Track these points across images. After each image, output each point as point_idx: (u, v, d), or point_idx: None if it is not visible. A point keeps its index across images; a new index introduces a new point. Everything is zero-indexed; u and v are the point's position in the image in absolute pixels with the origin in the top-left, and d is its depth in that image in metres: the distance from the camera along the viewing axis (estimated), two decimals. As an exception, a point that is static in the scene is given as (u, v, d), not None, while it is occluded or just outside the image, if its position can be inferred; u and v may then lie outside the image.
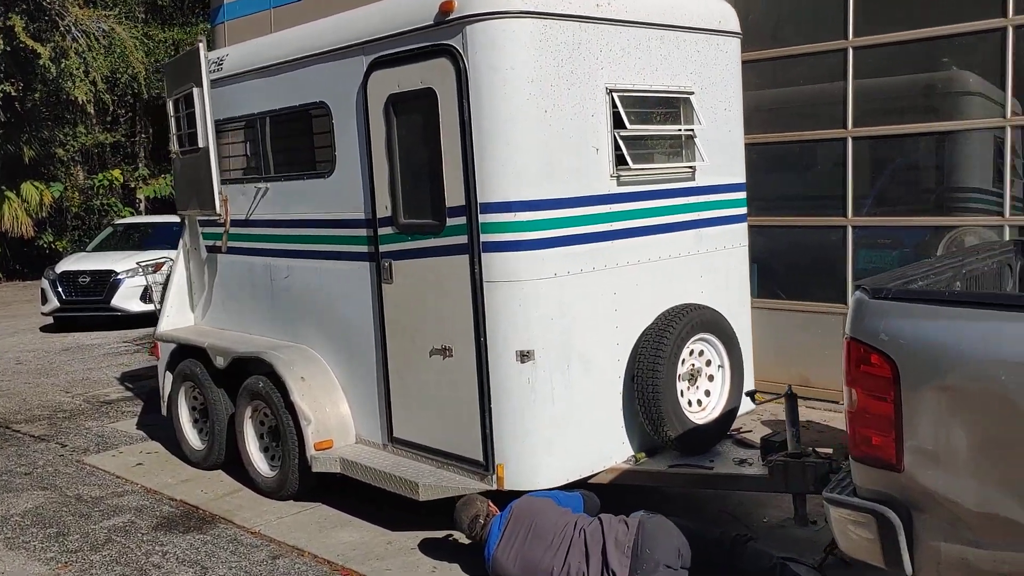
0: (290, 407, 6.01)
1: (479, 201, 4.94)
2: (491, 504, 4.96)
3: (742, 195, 6.15)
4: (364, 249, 5.75)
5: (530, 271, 4.97)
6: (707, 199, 5.87)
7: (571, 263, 5.10)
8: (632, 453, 5.45)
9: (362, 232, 5.74)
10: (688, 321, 5.33)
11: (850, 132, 7.58)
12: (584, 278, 5.16)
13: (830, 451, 4.98)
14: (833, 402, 6.83)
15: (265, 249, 6.64)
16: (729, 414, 5.65)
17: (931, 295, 3.49)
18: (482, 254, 4.98)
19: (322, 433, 5.95)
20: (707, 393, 5.62)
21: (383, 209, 5.54)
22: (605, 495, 5.10)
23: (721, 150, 5.92)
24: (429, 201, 5.28)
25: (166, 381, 7.47)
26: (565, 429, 5.11)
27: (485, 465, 5.13)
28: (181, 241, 7.64)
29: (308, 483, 6.14)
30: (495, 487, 5.10)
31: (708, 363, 5.63)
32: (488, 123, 4.88)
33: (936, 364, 3.29)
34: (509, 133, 4.88)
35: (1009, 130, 6.67)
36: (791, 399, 5.03)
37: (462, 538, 5.42)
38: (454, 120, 4.98)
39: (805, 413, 7.35)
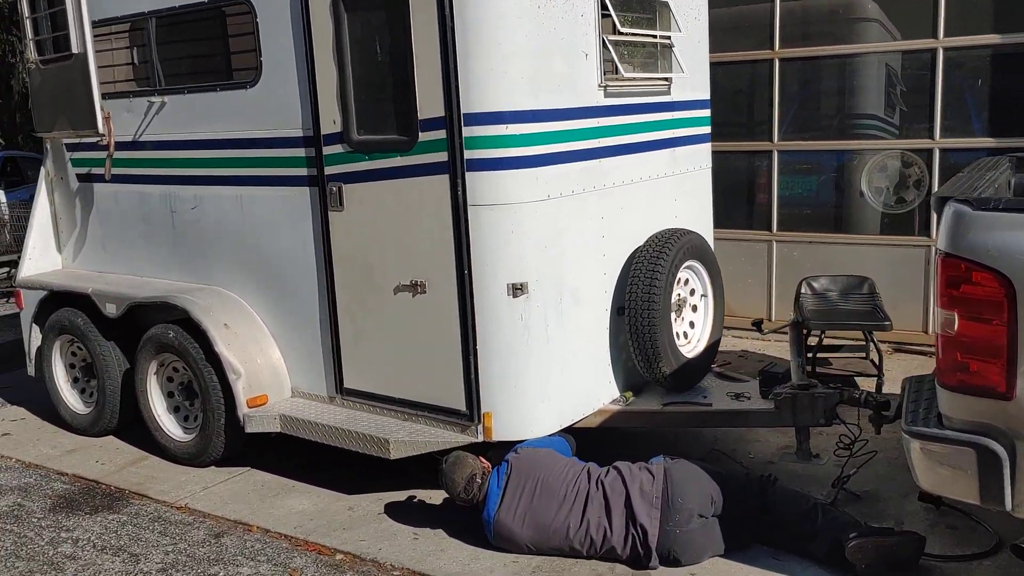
0: (213, 359, 5.13)
1: (463, 112, 4.23)
2: (483, 460, 4.36)
3: (708, 112, 5.72)
4: (302, 172, 4.91)
5: (523, 192, 4.34)
6: (681, 115, 5.40)
7: (564, 184, 4.50)
8: (618, 393, 4.98)
9: (299, 152, 4.89)
10: (680, 247, 4.88)
11: (777, 54, 7.34)
12: (576, 201, 4.58)
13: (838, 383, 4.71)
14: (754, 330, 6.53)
15: (164, 176, 5.61)
16: (713, 347, 5.28)
17: None
18: (467, 173, 4.29)
19: (255, 388, 5.12)
20: (691, 325, 5.22)
21: (330, 124, 4.71)
22: (583, 442, 4.63)
23: (692, 62, 5.45)
24: (394, 113, 4.51)
25: (33, 335, 6.31)
26: (558, 370, 4.57)
27: (469, 415, 4.51)
28: (43, 170, 6.41)
29: (235, 446, 5.31)
30: (480, 439, 4.51)
31: (692, 292, 5.22)
32: (476, 18, 4.16)
33: (1061, 279, 2.98)
34: (501, 31, 4.18)
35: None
36: (797, 327, 4.71)
37: (431, 498, 4.82)
38: (430, 16, 4.22)
39: (734, 343, 7.19)
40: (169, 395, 5.58)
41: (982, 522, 4.21)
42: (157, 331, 5.41)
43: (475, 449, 4.53)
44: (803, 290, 6.28)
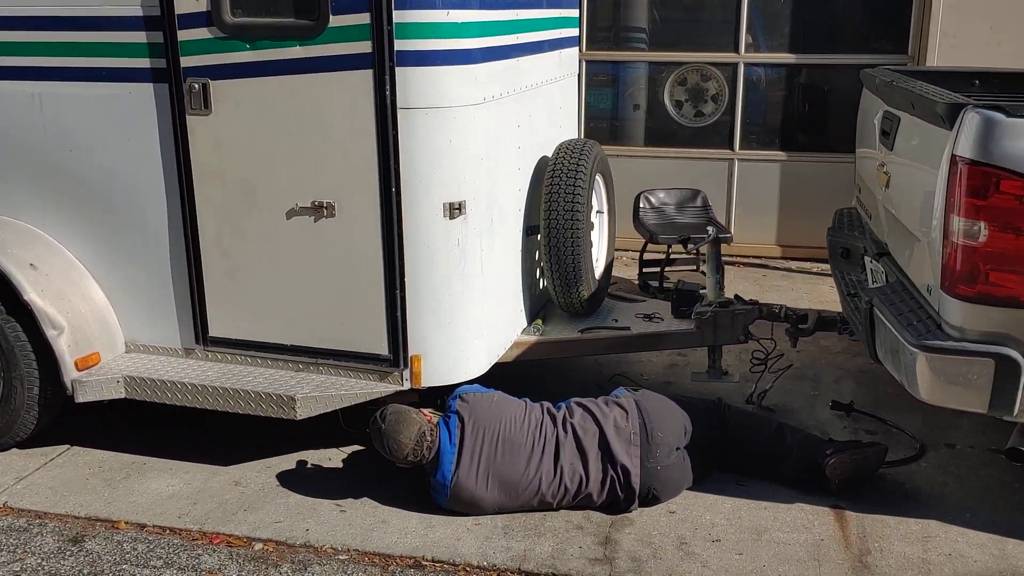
0: (18, 312, 3.90)
1: (396, -10, 3.43)
2: (426, 412, 3.72)
3: (577, 12, 5.26)
4: (143, 63, 3.78)
5: (463, 94, 3.64)
6: (564, 13, 4.91)
7: (495, 85, 3.86)
8: (526, 323, 4.51)
9: (139, 37, 3.75)
10: (593, 159, 4.44)
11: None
12: (502, 105, 3.97)
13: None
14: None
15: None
16: (610, 267, 4.96)
17: None
18: (396, 69, 3.51)
19: (83, 345, 3.98)
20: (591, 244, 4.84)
21: (190, 1, 3.64)
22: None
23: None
24: (297, -12, 3.57)
25: None
26: (490, 301, 4.00)
27: (392, 359, 3.82)
28: None
29: (47, 421, 4.13)
30: (407, 387, 3.85)
31: (591, 209, 4.82)
32: None
33: (1098, 187, 2.99)
34: None
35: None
36: (716, 243, 4.51)
37: (329, 460, 4.10)
38: None
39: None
40: (-63, 361, 4.20)
41: (896, 426, 4.35)
42: (-80, 279, 4.00)
43: (398, 400, 3.87)
44: (642, 204, 6.16)
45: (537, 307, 4.65)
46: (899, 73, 4.54)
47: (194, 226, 3.89)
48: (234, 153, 3.76)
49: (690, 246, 4.96)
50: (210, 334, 4.02)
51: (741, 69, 7.16)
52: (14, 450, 4.16)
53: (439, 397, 4.02)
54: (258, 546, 3.47)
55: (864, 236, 4.65)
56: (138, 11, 3.72)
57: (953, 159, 3.20)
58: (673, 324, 4.55)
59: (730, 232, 6.15)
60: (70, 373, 3.90)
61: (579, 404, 3.77)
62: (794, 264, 7.20)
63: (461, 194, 3.70)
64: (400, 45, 3.48)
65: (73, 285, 4.03)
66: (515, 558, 3.37)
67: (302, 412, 3.74)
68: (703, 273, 6.65)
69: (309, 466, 4.05)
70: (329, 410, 3.81)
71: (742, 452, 3.90)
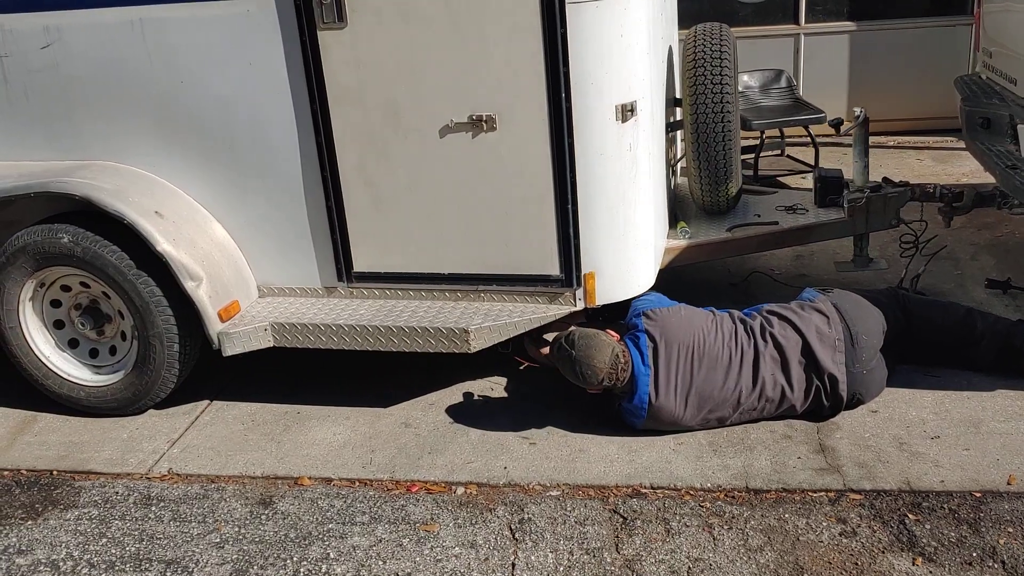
0: (147, 264, 3.58)
1: None
2: (612, 333, 3.49)
3: None
4: (262, -24, 3.37)
5: (629, -20, 3.29)
6: None
7: (650, -31, 3.50)
8: (668, 227, 4.26)
9: (255, -55, 3.33)
10: (734, 45, 4.12)
11: None
12: (655, -8, 3.61)
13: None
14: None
15: (-26, 1, 3.64)
16: (738, 158, 4.69)
17: None
18: (566, -44, 3.14)
19: (222, 294, 3.67)
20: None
21: None
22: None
23: None
24: None
25: None
26: (653, 209, 3.73)
27: (563, 279, 3.55)
28: None
29: (183, 379, 3.85)
30: (581, 307, 3.60)
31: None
32: None
33: None
34: None
35: None
36: (865, 124, 4.24)
37: (491, 390, 3.89)
38: None
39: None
40: (56, 325, 3.87)
41: (1064, 298, 4.21)
42: (33, 238, 3.63)
43: (566, 321, 3.64)
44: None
45: (672, 209, 4.39)
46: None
47: (331, 155, 3.55)
48: (375, 70, 3.39)
49: (840, 130, 4.65)
50: (354, 269, 3.73)
51: None
52: (150, 411, 3.90)
53: (601, 315, 3.81)
54: (459, 491, 3.27)
55: (1005, 103, 4.39)
56: (253, -86, 3.29)
57: None
58: (821, 214, 4.31)
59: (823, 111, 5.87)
60: (214, 325, 3.61)
61: (773, 312, 3.56)
62: (872, 140, 6.93)
63: (632, 94, 3.38)
64: (566, -70, 3.10)
65: (200, 230, 3.70)
66: (737, 476, 3.21)
67: (476, 344, 3.49)
68: (789, 158, 6.42)
69: (476, 398, 3.83)
70: (503, 339, 3.56)
71: (927, 341, 3.72)
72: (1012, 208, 4.26)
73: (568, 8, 3.18)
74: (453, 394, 3.87)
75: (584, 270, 3.54)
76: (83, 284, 3.77)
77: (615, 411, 3.53)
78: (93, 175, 3.64)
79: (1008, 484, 3.05)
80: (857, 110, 4.22)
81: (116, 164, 3.74)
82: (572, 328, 3.48)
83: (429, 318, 3.57)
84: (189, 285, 3.55)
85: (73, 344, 3.90)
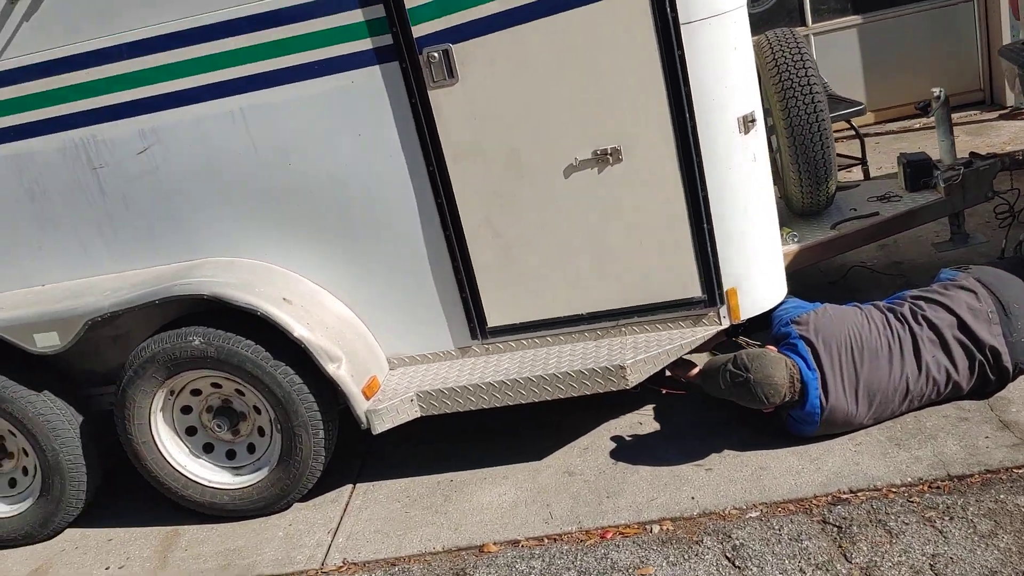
0: (284, 354, 3.48)
1: None
2: (772, 348, 3.45)
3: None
4: (364, 45, 3.34)
5: (735, -5, 3.31)
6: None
7: (741, -20, 3.52)
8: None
9: (353, 17, 3.30)
10: (804, 42, 4.15)
11: None
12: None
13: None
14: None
15: (66, 117, 3.56)
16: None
17: None
18: (676, -20, 3.15)
19: (362, 372, 3.58)
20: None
21: (415, -41, 3.21)
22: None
23: None
24: (539, -83, 3.16)
25: None
26: (775, 214, 3.71)
27: (707, 299, 3.51)
28: None
29: (326, 466, 3.73)
30: (727, 324, 3.55)
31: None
32: None
33: None
34: None
35: None
36: (946, 103, 4.28)
37: (641, 424, 3.82)
38: None
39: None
40: (188, 432, 3.75)
41: None
42: (162, 346, 3.52)
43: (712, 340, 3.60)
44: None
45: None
46: None
47: (453, 212, 3.50)
48: (492, 120, 3.36)
49: (930, 112, 4.64)
50: (488, 325, 3.65)
51: (801, -61, 6.90)
52: (295, 506, 3.77)
53: (738, 331, 3.76)
54: (655, 529, 3.17)
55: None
56: (344, -15, 3.26)
57: None
58: (917, 198, 4.32)
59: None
60: (361, 405, 3.50)
61: (918, 297, 3.54)
62: (895, 126, 7.04)
63: (750, 104, 3.38)
64: (677, -49, 3.11)
65: (327, 310, 3.62)
66: (933, 466, 3.15)
67: (633, 378, 3.43)
68: (838, 155, 6.44)
69: (628, 437, 3.75)
70: (658, 369, 3.50)
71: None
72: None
73: (683, 28, 3.19)
74: (603, 436, 3.79)
75: (725, 287, 3.50)
76: (214, 385, 3.65)
77: (782, 424, 3.47)
78: (213, 272, 3.55)
79: None
80: (936, 90, 4.26)
81: (229, 259, 3.66)
82: (736, 354, 3.41)
83: (579, 360, 3.50)
84: (330, 367, 3.46)
85: (208, 449, 3.77)
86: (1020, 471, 3.04)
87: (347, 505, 3.71)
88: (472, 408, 3.54)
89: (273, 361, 3.48)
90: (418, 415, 3.58)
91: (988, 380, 3.42)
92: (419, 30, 3.28)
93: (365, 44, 3.33)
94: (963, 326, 3.40)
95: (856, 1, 7.04)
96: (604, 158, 3.35)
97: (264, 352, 3.48)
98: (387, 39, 3.31)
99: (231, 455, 3.77)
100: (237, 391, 3.64)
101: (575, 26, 3.21)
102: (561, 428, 3.89)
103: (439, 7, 3.24)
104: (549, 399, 3.48)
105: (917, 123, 6.95)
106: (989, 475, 3.06)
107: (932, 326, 3.40)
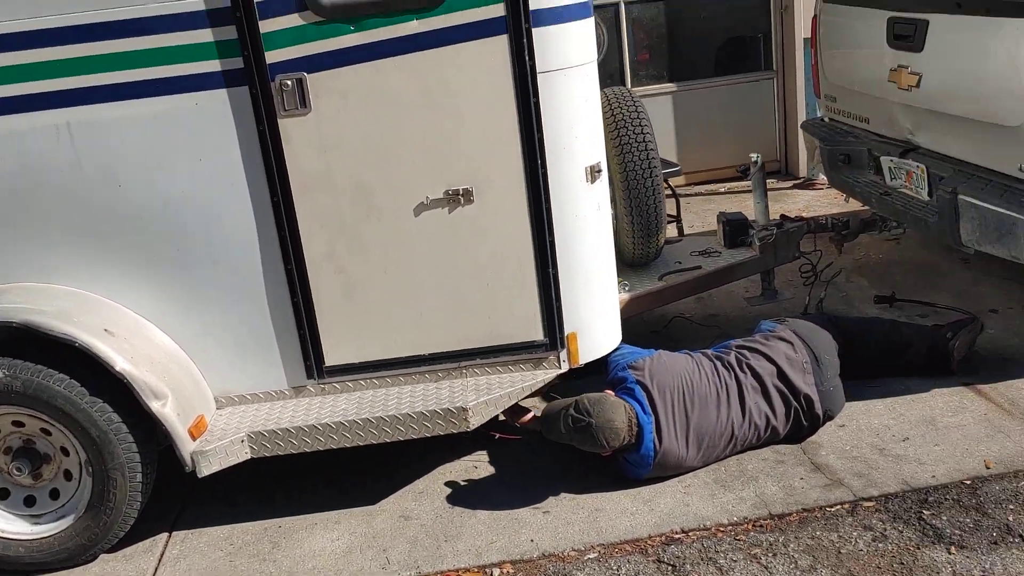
0: (101, 389, 3.21)
1: (531, -57, 3.14)
2: (610, 392, 3.54)
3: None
4: (212, 67, 3.20)
5: (587, 49, 3.43)
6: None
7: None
8: (611, 281, 4.38)
9: (203, 36, 3.16)
10: (641, 104, 4.37)
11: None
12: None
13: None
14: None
15: None
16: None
17: None
18: (534, 30, 3.23)
19: (188, 410, 3.36)
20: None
21: (272, -16, 3.12)
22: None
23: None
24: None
25: None
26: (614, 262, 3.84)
27: (548, 343, 3.57)
28: None
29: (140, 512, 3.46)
30: (564, 368, 3.63)
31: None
32: None
33: None
34: None
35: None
36: (762, 169, 4.62)
37: (476, 468, 3.81)
38: None
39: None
40: (-18, 478, 3.36)
41: (946, 306, 4.69)
42: (-45, 379, 3.15)
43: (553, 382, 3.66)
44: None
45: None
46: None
47: (295, 245, 3.38)
48: (343, 153, 3.29)
49: (749, 175, 4.91)
50: (326, 364, 3.54)
51: (623, 8, 7.29)
52: (102, 557, 3.45)
53: (573, 375, 3.84)
54: (496, 572, 3.15)
55: (862, 140, 4.94)
56: (199, 5, 3.12)
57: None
58: (735, 254, 4.62)
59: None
60: (187, 445, 3.28)
61: (743, 346, 3.76)
62: (703, 188, 7.53)
63: (597, 155, 3.51)
64: (535, 4, 3.20)
65: (152, 344, 3.38)
66: (756, 505, 3.33)
67: (475, 421, 3.42)
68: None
69: (464, 482, 3.72)
70: (499, 412, 3.51)
71: (864, 355, 4.05)
72: (891, 230, 4.79)
73: (540, 77, 3.27)
74: (438, 480, 3.74)
75: (567, 331, 3.58)
76: (16, 424, 3.31)
77: (616, 466, 3.57)
78: (24, 298, 3.24)
79: (987, 468, 3.38)
80: (754, 156, 4.60)
81: (44, 285, 3.35)
82: (577, 399, 3.48)
83: (420, 402, 3.45)
84: (155, 405, 3.22)
85: (2, 495, 3.39)
86: (832, 509, 3.27)
87: (162, 555, 3.44)
88: (306, 450, 3.40)
89: (89, 398, 3.20)
90: (248, 457, 3.40)
91: (802, 426, 3.68)
92: (274, 56, 3.18)
93: (213, 65, 3.18)
94: (782, 375, 3.64)
95: (672, 70, 7.51)
96: (456, 198, 3.36)
97: (79, 388, 3.19)
98: (237, 62, 3.18)
99: (29, 501, 3.41)
100: (43, 430, 3.31)
101: (435, 66, 3.22)
102: (395, 472, 3.81)
103: (296, 35, 3.16)
104: (387, 441, 3.40)
105: (723, 187, 7.46)
106: (805, 513, 3.27)
107: (755, 374, 3.63)
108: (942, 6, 4.12)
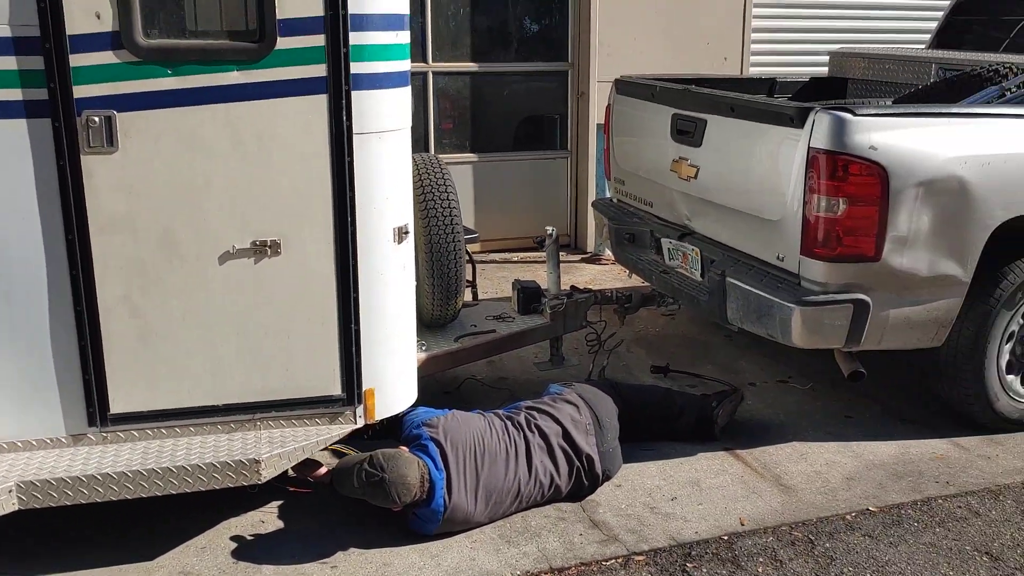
0: None
1: (352, 11, 3.26)
2: (403, 449, 3.62)
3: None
4: (12, 95, 3.07)
5: (404, 115, 3.59)
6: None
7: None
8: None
9: (6, 62, 3.04)
10: (448, 172, 4.57)
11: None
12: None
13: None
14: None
15: None
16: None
17: (910, 110, 4.14)
18: (352, 93, 3.34)
19: (-49, 456, 3.12)
20: (432, 255, 4.91)
21: (88, 20, 3.05)
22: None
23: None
24: (226, 9, 3.19)
25: None
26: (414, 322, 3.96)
27: (346, 398, 3.62)
28: None
29: None
30: (360, 424, 3.69)
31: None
32: None
33: (917, 166, 4.02)
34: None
35: None
36: (556, 241, 4.92)
37: (263, 523, 3.78)
38: None
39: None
40: None
41: (712, 378, 5.18)
42: None
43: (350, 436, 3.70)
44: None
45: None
46: (667, 82, 5.34)
47: (89, 286, 3.26)
48: (149, 196, 3.24)
49: (544, 246, 5.15)
50: (111, 412, 3.40)
51: (431, 78, 7.56)
52: None
53: (367, 432, 3.90)
54: (282, 627, 3.12)
55: (646, 222, 5.39)
56: (5, 31, 3.00)
57: (810, 151, 4.03)
58: (527, 320, 4.87)
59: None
60: (-58, 495, 3.04)
61: (531, 407, 3.96)
62: (498, 256, 7.84)
63: (405, 217, 3.64)
64: (356, 68, 3.32)
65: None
66: (538, 560, 3.50)
67: (267, 473, 3.39)
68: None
69: (250, 536, 3.64)
70: (292, 465, 3.50)
71: (640, 420, 4.38)
72: (667, 306, 5.22)
73: (356, 138, 3.38)
74: (222, 534, 3.64)
75: (365, 387, 3.64)
76: None
77: (407, 521, 3.63)
78: None
79: (742, 524, 3.74)
80: (550, 229, 4.89)
81: None
82: (371, 454, 3.53)
83: (210, 453, 3.38)
84: (-88, 449, 2.97)
85: None
86: (607, 563, 3.49)
87: (-94, 615, 3.14)
88: (83, 501, 3.24)
89: None
90: (15, 508, 3.18)
91: (583, 485, 3.91)
92: (82, 91, 3.10)
93: (14, 94, 3.06)
94: (567, 435, 3.88)
95: (474, 140, 7.83)
96: (263, 249, 3.38)
97: None
98: (41, 93, 3.07)
99: None
100: None
101: (252, 118, 3.26)
102: (175, 526, 3.68)
103: (109, 72, 3.11)
104: (173, 493, 3.30)
105: (516, 256, 7.80)
106: (583, 567, 3.47)
107: (542, 434, 3.83)
108: (719, 109, 4.63)
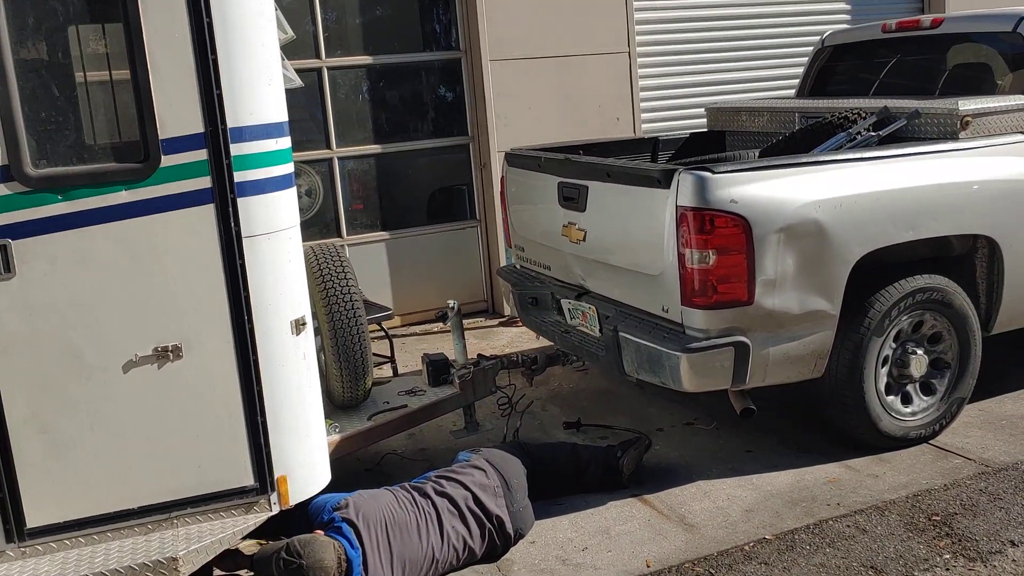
0: None
1: (231, 125, 3.50)
2: (319, 533, 3.77)
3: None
4: (-96, 233, 3.23)
5: (291, 214, 3.81)
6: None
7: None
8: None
9: None
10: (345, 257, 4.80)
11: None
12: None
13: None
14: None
15: None
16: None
17: (764, 164, 4.49)
18: (238, 200, 3.57)
19: None
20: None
21: (-25, 155, 3.24)
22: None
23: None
24: (110, 134, 3.40)
25: None
26: (320, 409, 4.14)
27: (259, 487, 3.78)
28: None
29: None
30: (275, 511, 3.84)
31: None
32: (239, 14, 3.47)
33: (776, 214, 4.37)
34: (262, 29, 3.57)
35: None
36: (459, 313, 5.15)
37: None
38: (174, 12, 3.35)
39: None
40: None
41: (621, 428, 5.42)
42: None
43: (266, 524, 3.85)
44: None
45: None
46: (551, 152, 5.67)
47: (-4, 406, 3.39)
48: (49, 314, 3.40)
49: (446, 320, 5.35)
50: (27, 527, 3.51)
51: (335, 163, 7.81)
52: None
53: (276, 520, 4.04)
54: None
55: (544, 285, 5.67)
56: None
57: (678, 209, 4.36)
58: (438, 392, 5.07)
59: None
60: None
61: (440, 476, 4.15)
62: (418, 328, 8.04)
63: (301, 309, 3.85)
64: (240, 176, 3.55)
65: None
66: (458, 624, 3.67)
67: (185, 570, 3.52)
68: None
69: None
70: (211, 559, 3.63)
71: (549, 476, 4.60)
72: (572, 363, 5.47)
73: (245, 241, 3.60)
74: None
75: (276, 475, 3.80)
76: None
77: (328, 600, 3.77)
78: None
79: (647, 567, 3.96)
80: (451, 302, 5.13)
81: None
82: (287, 541, 3.67)
83: (128, 556, 3.50)
84: None
85: None
86: (523, 620, 3.68)
87: None
88: (7, 617, 3.33)
89: None
90: (-63, 632, 3.27)
91: (496, 545, 4.10)
92: (-24, 224, 3.28)
93: (-94, 232, 3.22)
94: (476, 499, 4.07)
95: (385, 218, 8.09)
96: (165, 354, 3.55)
97: None
98: (-65, 228, 3.24)
99: None
100: None
101: (144, 232, 3.45)
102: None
103: (2, 203, 3.28)
104: (95, 599, 3.41)
105: (436, 327, 8.01)
106: (500, 626, 3.65)
107: (451, 500, 4.02)
108: (597, 175, 4.96)
